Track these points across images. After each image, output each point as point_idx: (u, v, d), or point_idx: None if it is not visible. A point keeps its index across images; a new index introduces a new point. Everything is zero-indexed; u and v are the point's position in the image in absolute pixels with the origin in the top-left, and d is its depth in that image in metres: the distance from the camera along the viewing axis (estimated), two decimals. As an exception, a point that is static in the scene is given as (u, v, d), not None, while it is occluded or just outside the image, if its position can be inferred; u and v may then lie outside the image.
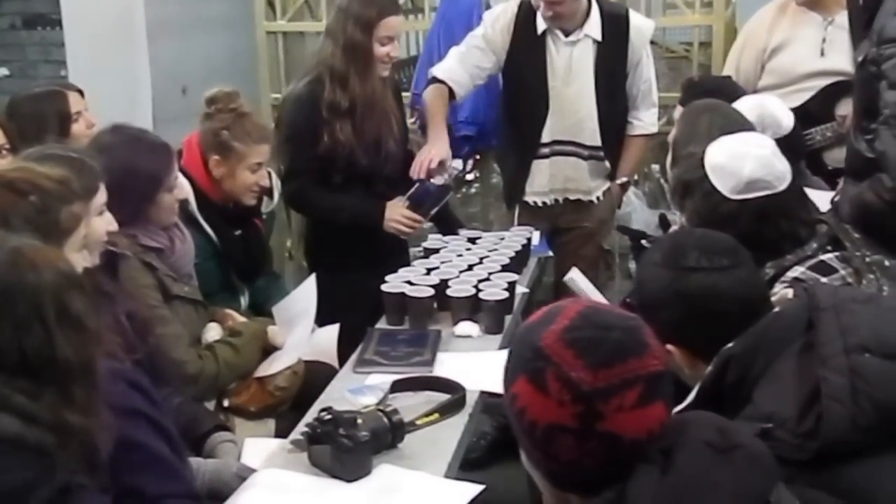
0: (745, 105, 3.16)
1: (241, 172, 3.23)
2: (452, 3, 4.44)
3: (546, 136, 3.81)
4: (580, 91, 3.77)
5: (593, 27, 3.74)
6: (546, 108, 3.79)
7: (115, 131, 2.91)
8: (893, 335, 1.67)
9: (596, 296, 2.95)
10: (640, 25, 3.86)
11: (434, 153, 3.56)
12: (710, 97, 3.31)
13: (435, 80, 3.81)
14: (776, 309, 1.95)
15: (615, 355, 1.40)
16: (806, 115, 3.67)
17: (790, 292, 2.06)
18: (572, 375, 1.39)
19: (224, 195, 3.26)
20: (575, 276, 3.18)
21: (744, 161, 2.27)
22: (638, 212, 3.81)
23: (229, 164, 3.22)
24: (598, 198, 3.91)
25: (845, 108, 3.68)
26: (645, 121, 3.96)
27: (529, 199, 3.90)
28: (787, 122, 3.16)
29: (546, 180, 3.87)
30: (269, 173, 3.41)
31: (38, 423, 1.65)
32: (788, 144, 2.94)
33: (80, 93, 3.51)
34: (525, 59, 3.79)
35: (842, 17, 3.71)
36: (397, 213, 3.51)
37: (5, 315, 1.66)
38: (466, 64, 3.82)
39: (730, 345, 1.80)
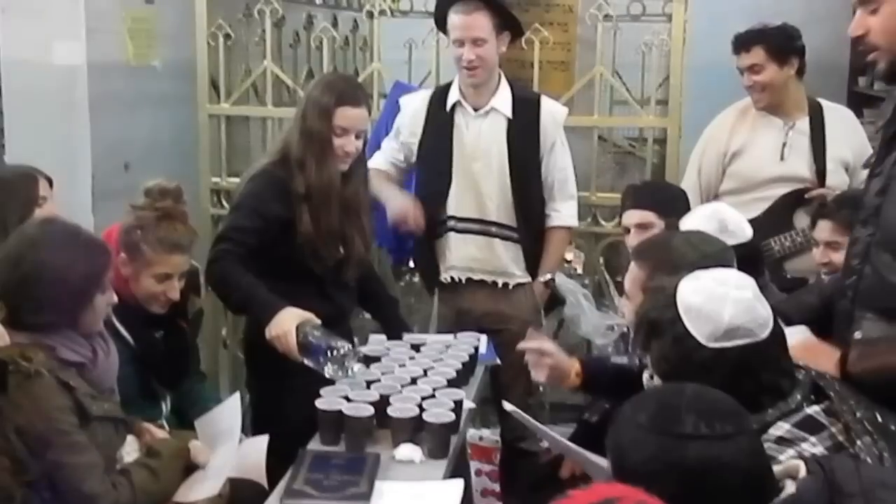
0: (702, 213, 2.85)
1: (144, 278, 2.78)
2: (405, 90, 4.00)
3: (450, 211, 3.46)
4: (488, 166, 3.41)
5: (502, 102, 3.41)
6: (448, 184, 3.43)
7: (46, 225, 2.45)
8: None
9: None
10: (553, 109, 3.50)
11: (407, 206, 3.42)
12: (659, 194, 3.27)
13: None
14: (789, 488, 1.59)
15: None
16: (764, 224, 3.40)
17: (801, 466, 1.65)
18: None
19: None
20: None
21: (724, 305, 1.85)
22: (587, 314, 3.36)
23: (134, 266, 2.77)
24: (513, 285, 3.50)
25: (803, 219, 3.45)
26: (563, 212, 3.54)
27: (443, 276, 3.53)
28: (749, 228, 2.82)
29: (454, 256, 3.49)
30: (198, 269, 2.96)
31: None
32: (750, 253, 2.67)
33: (50, 181, 3.08)
34: (433, 137, 3.46)
35: (802, 123, 3.53)
36: (285, 327, 2.70)
37: None
38: (387, 156, 3.60)
39: None
